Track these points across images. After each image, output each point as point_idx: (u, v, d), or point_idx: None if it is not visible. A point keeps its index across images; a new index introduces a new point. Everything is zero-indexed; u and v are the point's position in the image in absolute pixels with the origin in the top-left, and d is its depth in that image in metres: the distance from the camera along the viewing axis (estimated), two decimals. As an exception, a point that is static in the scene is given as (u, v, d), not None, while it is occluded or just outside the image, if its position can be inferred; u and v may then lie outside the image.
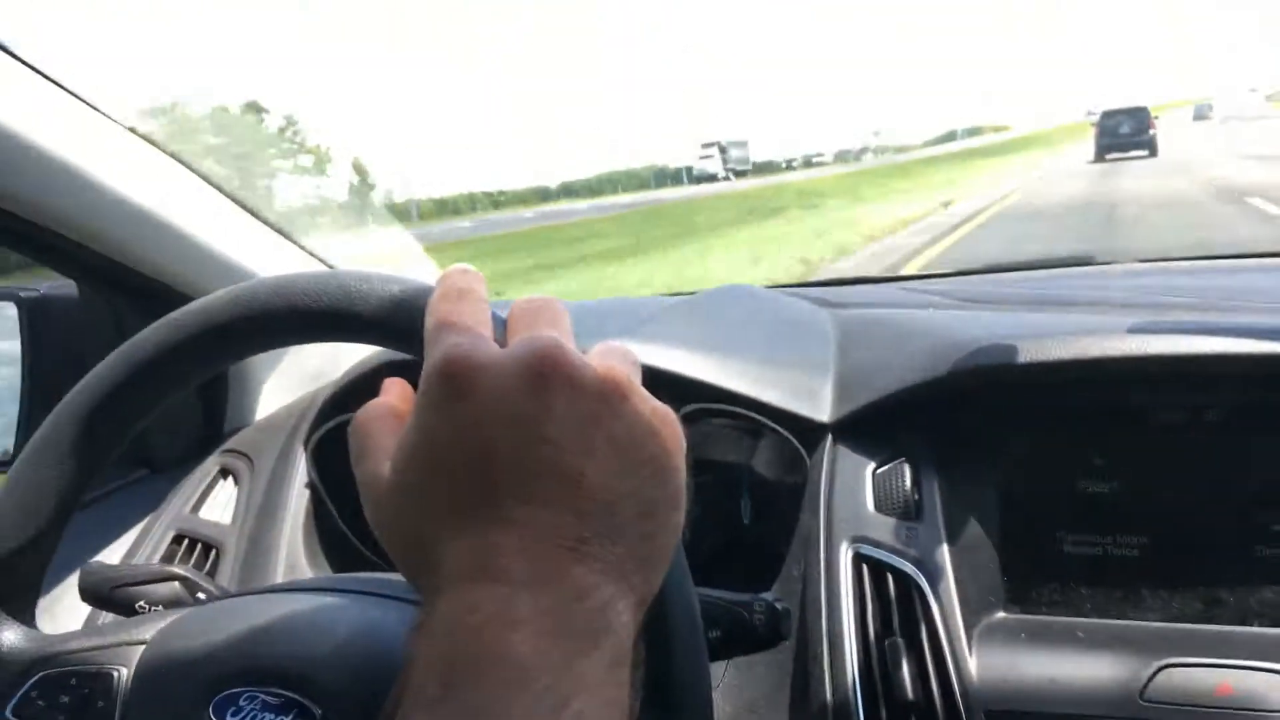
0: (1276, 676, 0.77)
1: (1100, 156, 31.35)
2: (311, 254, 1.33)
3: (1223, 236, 9.80)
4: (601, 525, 0.39)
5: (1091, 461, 0.93)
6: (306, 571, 1.12)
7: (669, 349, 1.05)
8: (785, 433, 1.01)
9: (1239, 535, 0.88)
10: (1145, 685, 0.79)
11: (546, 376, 0.40)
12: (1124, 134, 31.74)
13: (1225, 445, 0.89)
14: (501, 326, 0.46)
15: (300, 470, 1.18)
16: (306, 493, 1.17)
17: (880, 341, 1.08)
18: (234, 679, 0.61)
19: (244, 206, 1.24)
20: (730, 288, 1.36)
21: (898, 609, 0.87)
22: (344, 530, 1.18)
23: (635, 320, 1.20)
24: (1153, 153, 30.06)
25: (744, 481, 1.07)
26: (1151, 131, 31.36)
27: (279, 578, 1.11)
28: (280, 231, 1.29)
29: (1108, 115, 33.37)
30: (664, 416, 0.43)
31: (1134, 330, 0.89)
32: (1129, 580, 0.89)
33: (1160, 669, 0.79)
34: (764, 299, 1.34)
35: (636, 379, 0.43)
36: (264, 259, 1.24)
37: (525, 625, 0.36)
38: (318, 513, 1.17)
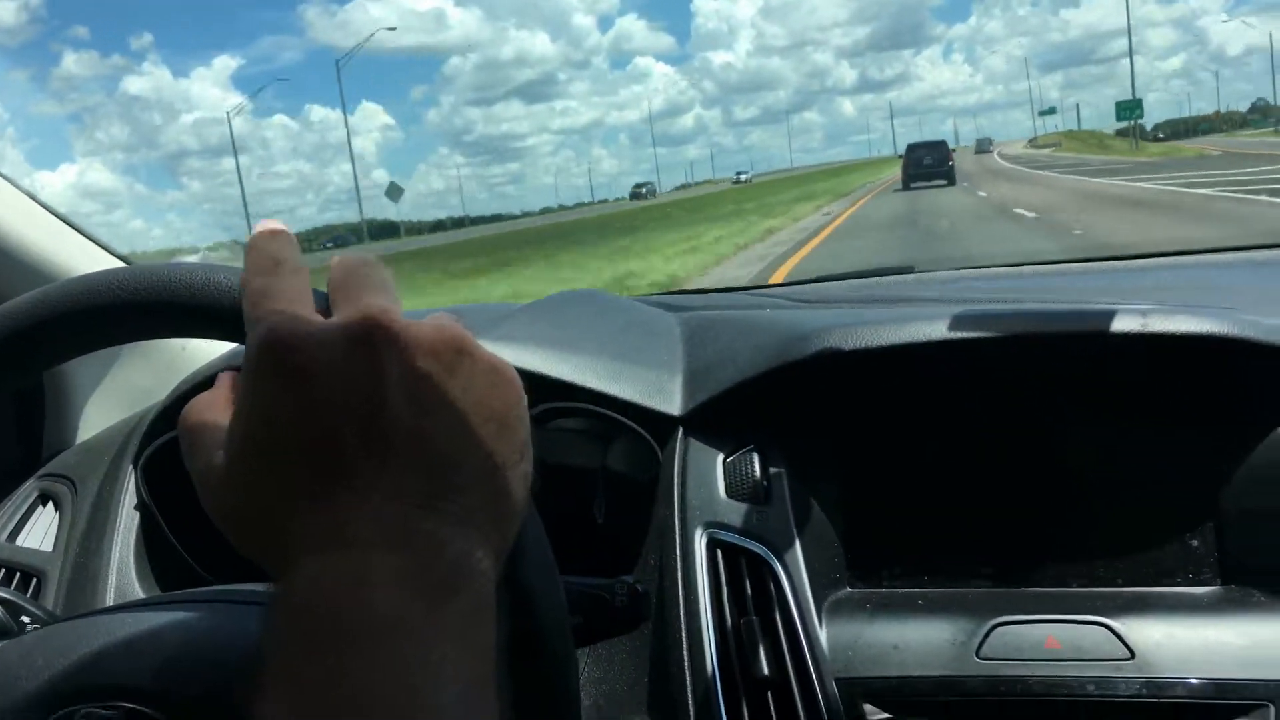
0: (1093, 628, 0.84)
1: (907, 185, 34.06)
2: (121, 257, 1.27)
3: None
4: (450, 480, 0.39)
5: (923, 440, 0.99)
6: (138, 595, 1.06)
7: (520, 347, 1.06)
8: (638, 428, 1.03)
9: (1056, 504, 0.95)
10: (980, 643, 0.85)
11: (375, 341, 0.39)
12: (927, 165, 35.02)
13: (1041, 420, 0.97)
14: (324, 297, 0.45)
15: (129, 492, 1.11)
16: (136, 515, 1.11)
17: (724, 338, 1.12)
18: (70, 698, 0.58)
19: (44, 207, 1.18)
20: (579, 291, 1.38)
21: (752, 590, 0.90)
22: (179, 551, 1.12)
23: (486, 319, 1.20)
24: (951, 181, 32.97)
25: (598, 481, 1.08)
26: (950, 163, 34.63)
27: (109, 603, 1.05)
28: (85, 234, 1.23)
29: (913, 148, 36.80)
30: (502, 371, 0.43)
31: (954, 316, 0.96)
32: (962, 550, 0.96)
33: (993, 628, 0.86)
34: (612, 302, 1.36)
35: (471, 337, 0.43)
36: (70, 260, 1.18)
37: (383, 583, 0.36)
38: (149, 535, 1.11)
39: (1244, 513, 0.89)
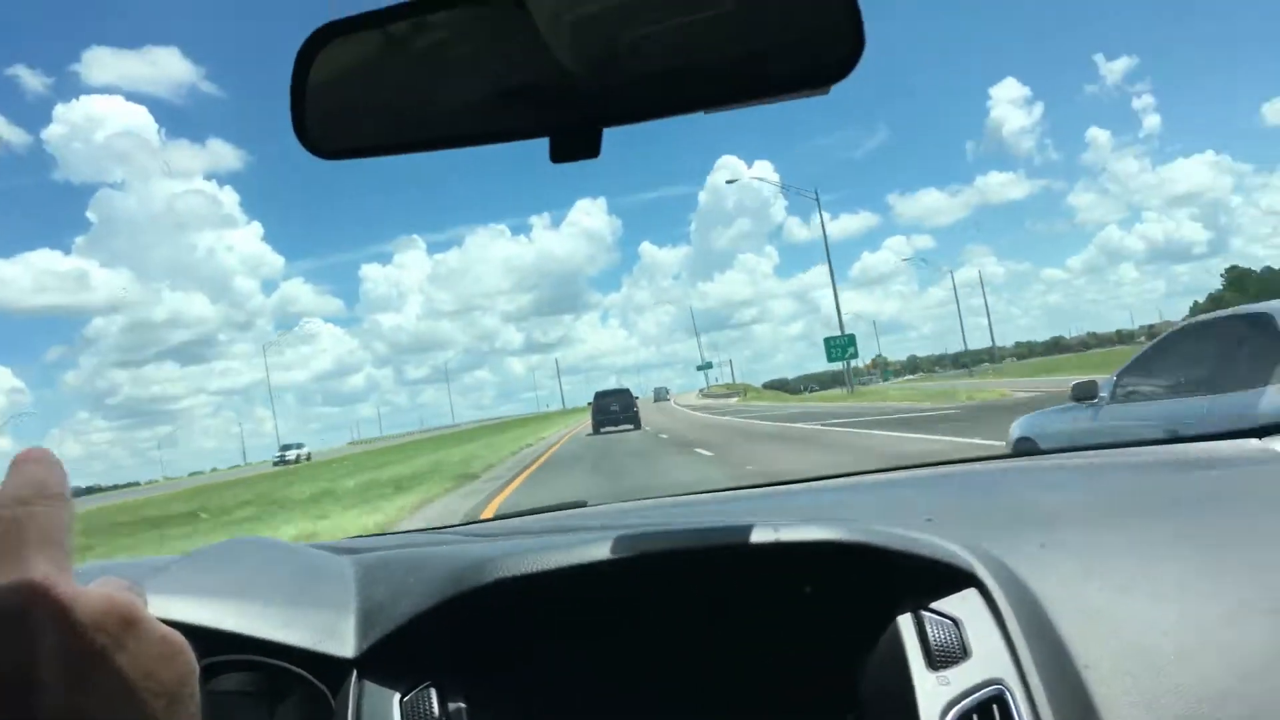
0: None
1: (597, 430, 35.56)
2: None
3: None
4: None
5: (595, 661, 1.04)
6: None
7: (181, 598, 1.01)
8: (309, 677, 1.00)
9: (721, 706, 1.02)
10: None
11: (31, 615, 0.37)
12: (614, 411, 36.93)
13: (700, 629, 1.05)
14: None
15: None
16: None
17: (398, 574, 1.12)
18: None
19: None
20: (245, 539, 1.33)
21: None
22: None
23: (144, 571, 1.13)
24: (637, 426, 34.93)
25: None
26: (635, 409, 36.85)
27: None
28: None
29: (600, 396, 38.87)
30: (173, 642, 0.42)
31: (616, 538, 1.04)
32: None
33: None
34: (279, 548, 1.33)
35: (141, 607, 0.41)
36: None
37: None
38: None
39: (872, 703, 0.99)
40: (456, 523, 1.80)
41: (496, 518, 1.75)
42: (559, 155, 0.83)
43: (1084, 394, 6.41)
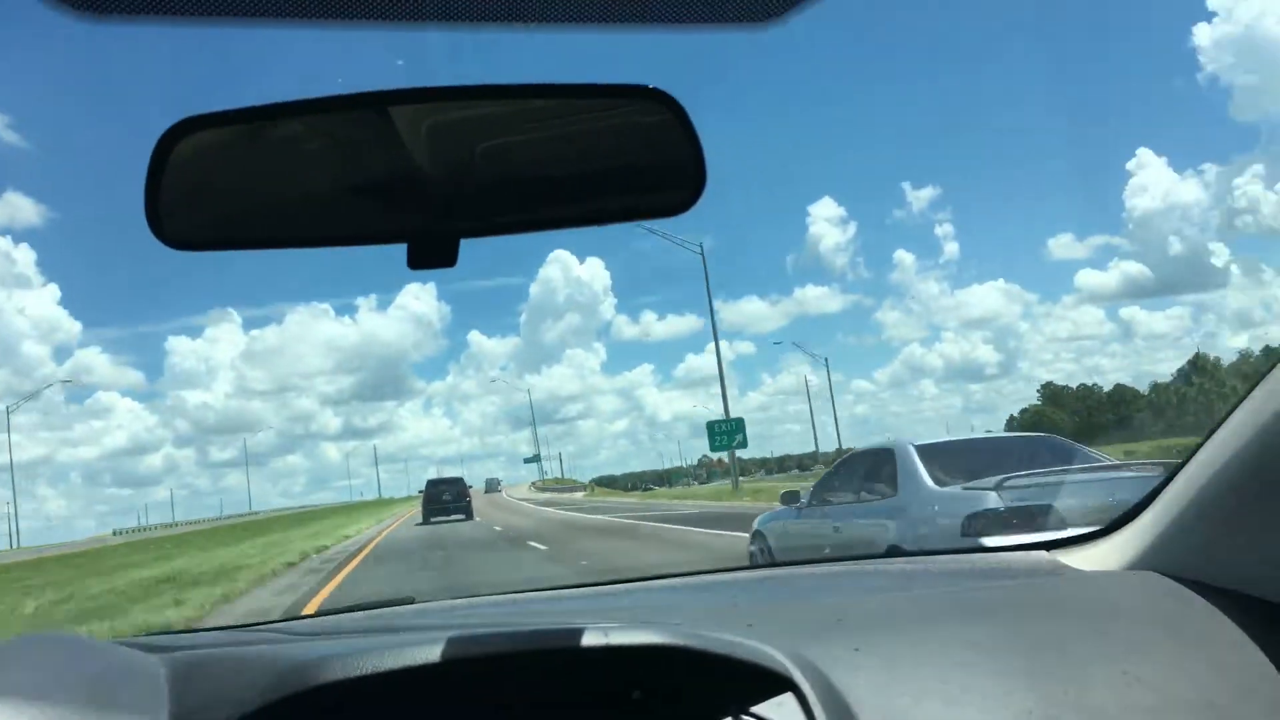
0: None
1: (426, 520, 34.23)
2: None
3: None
4: None
5: None
6: None
7: None
8: None
9: None
10: None
11: None
12: (446, 500, 35.59)
13: None
14: None
15: None
16: None
17: (216, 676, 1.08)
18: None
19: None
20: (42, 636, 1.24)
21: None
22: None
23: None
24: (469, 516, 33.87)
25: None
26: (467, 499, 35.70)
27: None
28: None
29: (433, 484, 37.33)
30: None
31: (447, 640, 1.04)
32: None
33: None
34: (81, 645, 1.24)
35: None
36: None
37: None
38: None
39: None
40: (273, 619, 1.72)
41: (319, 614, 1.70)
42: (416, 262, 0.86)
43: (789, 500, 8.33)
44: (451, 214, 0.90)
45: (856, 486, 7.58)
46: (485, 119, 0.92)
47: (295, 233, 0.89)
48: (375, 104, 0.87)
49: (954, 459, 6.84)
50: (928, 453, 6.86)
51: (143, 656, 1.19)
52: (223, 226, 0.88)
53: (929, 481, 6.54)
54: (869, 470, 7.50)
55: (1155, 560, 1.34)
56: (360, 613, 1.62)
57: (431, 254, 0.88)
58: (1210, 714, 1.01)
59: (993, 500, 5.81)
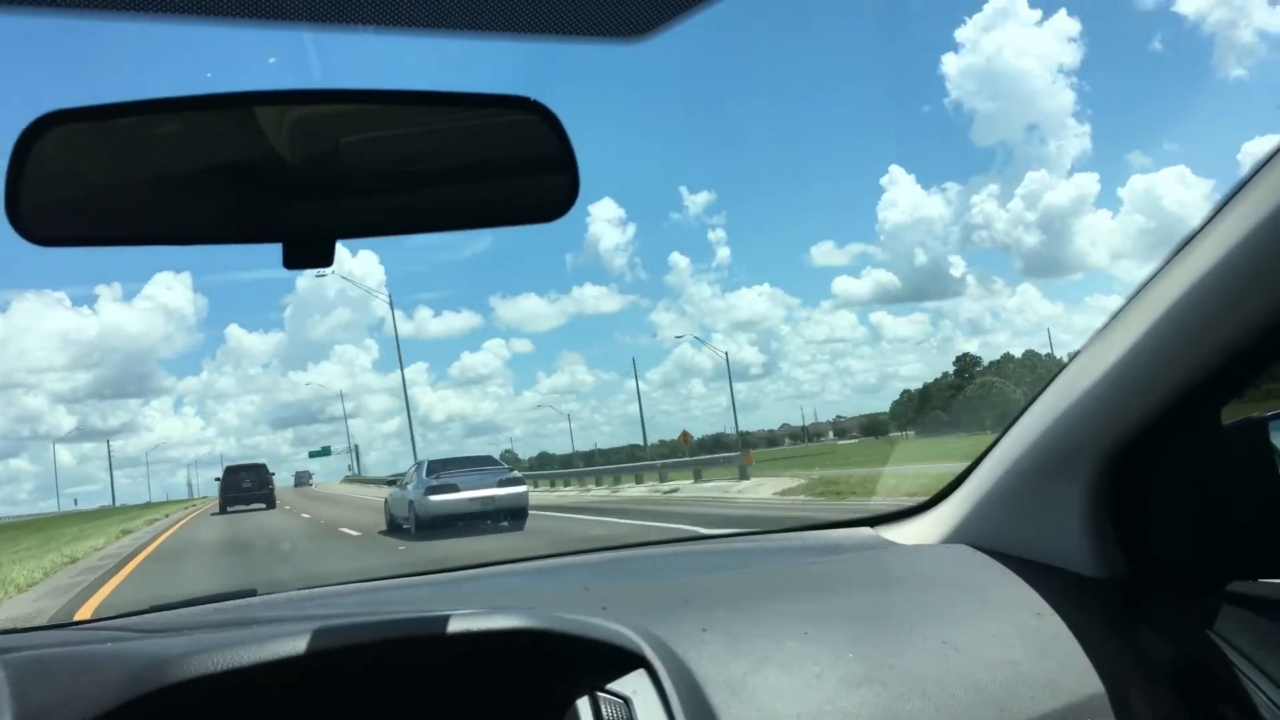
0: None
1: (224, 509, 32.21)
2: None
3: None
4: None
5: None
6: None
7: None
8: None
9: None
10: None
11: None
12: (246, 488, 33.33)
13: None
14: None
15: None
16: None
17: (64, 676, 1.05)
18: None
19: None
20: None
21: None
22: None
23: None
24: (271, 504, 31.98)
25: None
26: (270, 486, 33.63)
27: None
28: None
29: (231, 470, 34.89)
30: None
31: (311, 631, 1.05)
32: None
33: None
34: None
35: None
36: None
37: None
38: None
39: None
40: (105, 616, 1.65)
41: (152, 609, 1.64)
42: (292, 262, 0.87)
43: (396, 481, 15.85)
44: (325, 216, 0.91)
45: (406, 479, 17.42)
46: (357, 122, 0.93)
47: (166, 230, 0.88)
48: (245, 103, 0.87)
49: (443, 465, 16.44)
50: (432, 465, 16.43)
51: None
52: (90, 223, 0.86)
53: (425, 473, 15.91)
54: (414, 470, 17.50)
55: (967, 534, 1.49)
56: (201, 607, 1.58)
57: (307, 254, 0.89)
58: (1012, 671, 1.15)
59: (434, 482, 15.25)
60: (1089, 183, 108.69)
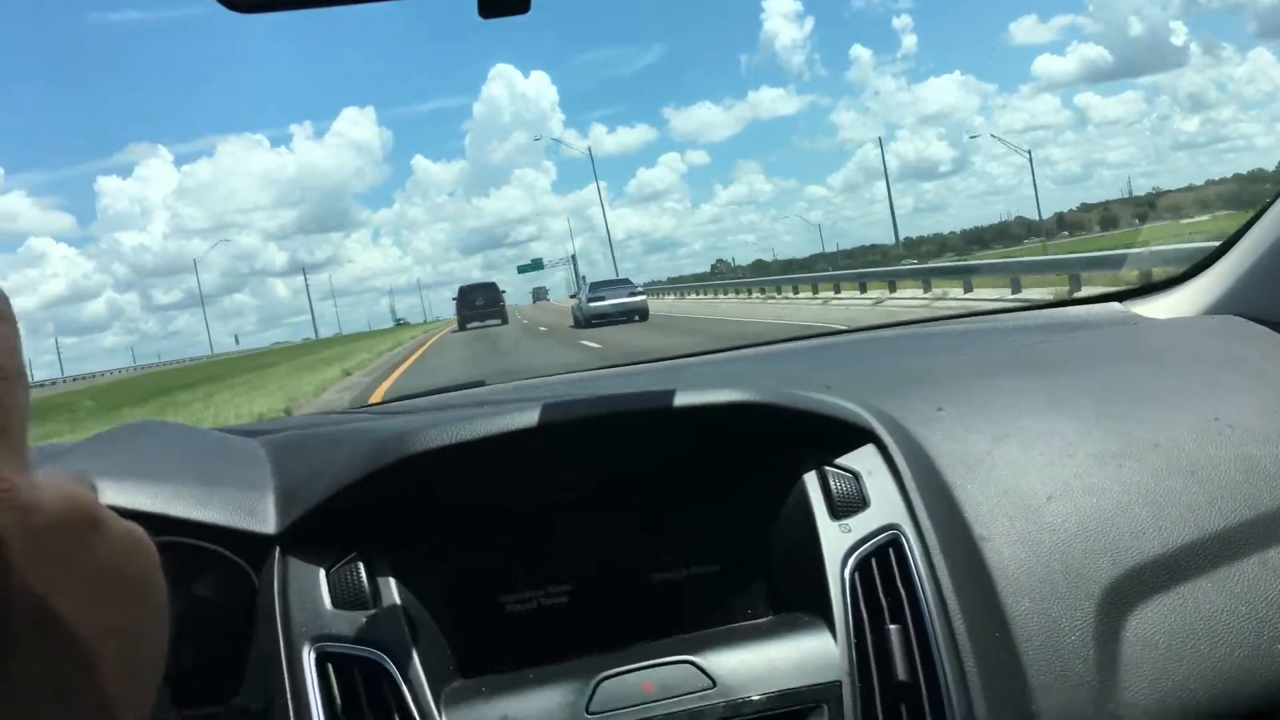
0: (681, 666, 0.95)
1: (463, 326, 34.78)
2: None
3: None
4: (83, 665, 0.37)
5: (516, 526, 1.06)
6: None
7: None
8: (229, 554, 0.99)
9: (639, 571, 1.06)
10: (589, 699, 0.92)
11: None
12: (480, 305, 35.95)
13: (620, 495, 1.09)
14: None
15: None
16: None
17: (315, 453, 1.11)
18: None
19: None
20: (146, 422, 1.29)
21: (368, 694, 0.90)
22: None
23: (43, 457, 1.09)
24: (505, 320, 34.42)
25: (189, 620, 1.02)
26: (502, 303, 36.09)
27: None
28: None
29: (465, 291, 37.39)
30: (136, 536, 0.41)
31: (538, 407, 1.05)
32: (565, 622, 1.03)
33: (599, 683, 0.93)
34: (183, 430, 1.29)
35: (100, 504, 0.40)
36: None
37: None
38: None
39: (781, 554, 1.06)
40: (355, 407, 1.78)
41: (390, 399, 1.74)
42: (488, 10, 0.81)
43: (575, 295, 20.32)
44: None
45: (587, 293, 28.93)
46: None
47: None
48: None
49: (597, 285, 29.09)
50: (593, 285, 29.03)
51: (241, 439, 1.23)
52: None
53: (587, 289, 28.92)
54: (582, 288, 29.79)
55: (1235, 304, 1.32)
56: (434, 396, 1.66)
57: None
58: None
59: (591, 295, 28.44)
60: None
